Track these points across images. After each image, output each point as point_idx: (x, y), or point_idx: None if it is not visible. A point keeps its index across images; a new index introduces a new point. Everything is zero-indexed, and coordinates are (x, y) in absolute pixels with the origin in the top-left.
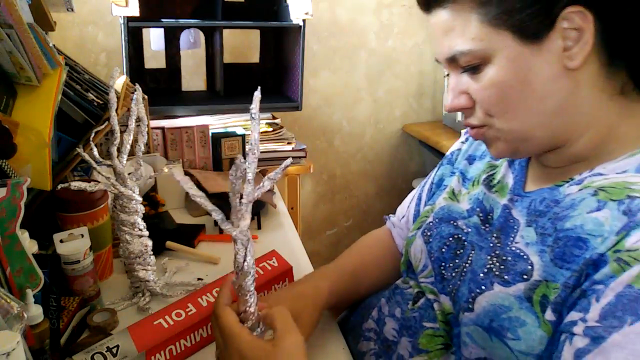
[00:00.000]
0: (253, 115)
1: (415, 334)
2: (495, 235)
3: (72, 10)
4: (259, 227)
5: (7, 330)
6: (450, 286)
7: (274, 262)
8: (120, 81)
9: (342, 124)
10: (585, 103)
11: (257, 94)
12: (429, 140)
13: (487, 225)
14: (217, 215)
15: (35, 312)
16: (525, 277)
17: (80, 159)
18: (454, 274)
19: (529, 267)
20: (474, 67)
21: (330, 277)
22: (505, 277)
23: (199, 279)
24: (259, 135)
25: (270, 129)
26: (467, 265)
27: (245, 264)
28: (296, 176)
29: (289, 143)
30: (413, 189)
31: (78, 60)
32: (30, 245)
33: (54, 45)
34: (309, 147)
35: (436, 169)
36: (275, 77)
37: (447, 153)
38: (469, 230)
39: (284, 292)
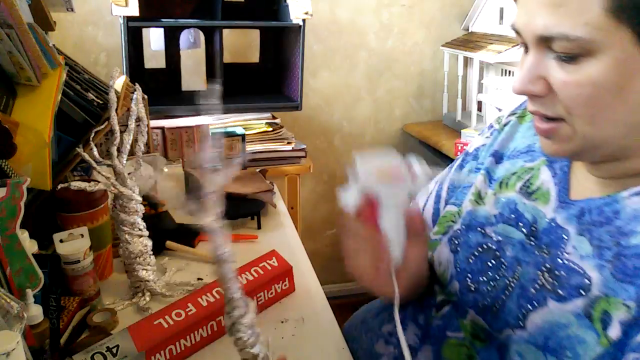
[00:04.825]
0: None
1: (438, 342)
2: (544, 250)
3: (72, 10)
4: (259, 227)
5: (7, 330)
6: (488, 299)
7: (274, 262)
8: (120, 81)
9: (342, 123)
10: None
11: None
12: (429, 140)
13: (532, 238)
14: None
15: (35, 312)
16: (582, 292)
17: (80, 158)
18: (489, 288)
19: (587, 281)
20: (571, 56)
21: None
22: (560, 292)
23: (199, 278)
24: (255, 135)
25: (270, 129)
26: (514, 280)
27: (226, 252)
28: (296, 176)
29: (288, 143)
30: None
31: (78, 60)
32: (30, 245)
33: (53, 45)
34: (308, 147)
35: (457, 166)
36: (275, 76)
37: (471, 149)
38: (499, 238)
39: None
